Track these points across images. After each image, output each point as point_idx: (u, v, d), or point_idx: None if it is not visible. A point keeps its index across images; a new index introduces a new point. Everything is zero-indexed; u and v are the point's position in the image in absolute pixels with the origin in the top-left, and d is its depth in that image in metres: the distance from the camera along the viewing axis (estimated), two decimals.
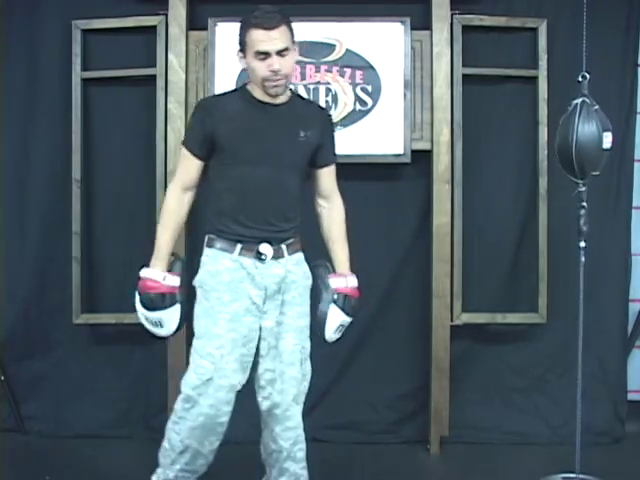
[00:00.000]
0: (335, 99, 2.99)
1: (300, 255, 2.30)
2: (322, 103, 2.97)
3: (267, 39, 2.09)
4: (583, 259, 2.48)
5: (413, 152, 2.99)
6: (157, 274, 2.19)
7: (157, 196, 3.00)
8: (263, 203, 2.19)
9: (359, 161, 3.01)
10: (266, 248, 2.19)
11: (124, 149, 3.12)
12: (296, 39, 2.18)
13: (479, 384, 3.14)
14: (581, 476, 2.50)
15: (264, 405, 2.26)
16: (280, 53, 2.11)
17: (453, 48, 2.98)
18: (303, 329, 2.29)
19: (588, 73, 2.42)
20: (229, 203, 2.20)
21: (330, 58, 2.98)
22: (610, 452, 2.97)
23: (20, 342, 3.16)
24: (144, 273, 2.22)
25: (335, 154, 2.35)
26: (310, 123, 2.25)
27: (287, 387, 2.25)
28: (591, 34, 2.46)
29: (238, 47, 2.17)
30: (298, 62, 2.94)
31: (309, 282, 2.31)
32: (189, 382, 2.18)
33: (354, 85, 2.99)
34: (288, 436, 2.28)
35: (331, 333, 2.32)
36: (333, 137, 2.35)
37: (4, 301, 3.14)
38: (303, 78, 2.98)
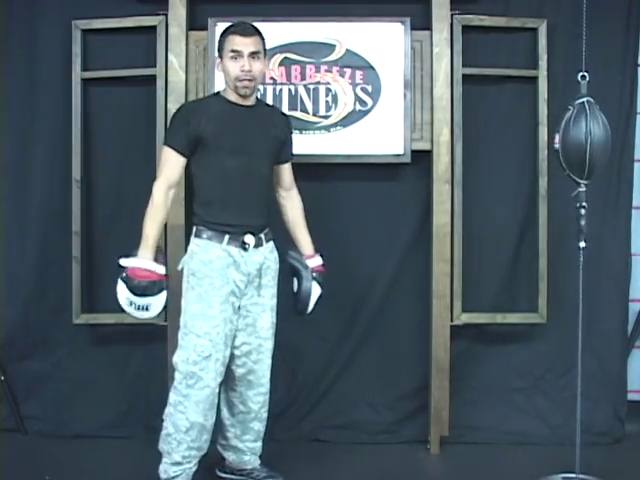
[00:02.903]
0: (335, 99, 2.99)
1: (272, 243, 2.61)
2: (322, 103, 2.98)
3: (242, 42, 2.43)
4: (583, 259, 2.48)
5: (413, 152, 2.99)
6: (148, 263, 2.40)
7: None
8: (246, 190, 2.49)
9: (359, 161, 3.01)
10: (250, 238, 2.48)
11: (124, 149, 3.12)
12: (267, 54, 2.55)
13: (479, 384, 3.14)
14: (581, 476, 2.50)
15: (239, 372, 2.58)
16: (252, 55, 2.44)
17: (453, 48, 2.98)
18: (274, 307, 2.62)
19: (588, 73, 2.42)
20: (217, 192, 2.47)
21: (330, 58, 2.98)
22: (610, 452, 2.97)
23: (20, 342, 3.16)
24: (133, 262, 2.40)
25: (293, 153, 2.70)
26: (276, 123, 2.60)
27: (263, 357, 2.60)
28: (591, 34, 2.46)
29: (217, 54, 2.51)
30: (298, 62, 2.97)
31: (278, 266, 2.62)
32: (189, 360, 2.45)
33: (354, 85, 2.98)
34: (258, 400, 2.62)
35: (312, 306, 2.63)
36: (292, 138, 2.69)
37: (4, 301, 3.14)
38: (303, 78, 2.98)
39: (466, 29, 3.00)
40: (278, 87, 2.98)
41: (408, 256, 3.13)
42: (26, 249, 3.15)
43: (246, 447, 2.67)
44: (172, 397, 2.52)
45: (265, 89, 2.98)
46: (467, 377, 3.11)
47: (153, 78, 3.01)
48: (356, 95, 2.99)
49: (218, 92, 2.57)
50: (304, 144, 2.97)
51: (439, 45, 2.96)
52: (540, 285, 3.03)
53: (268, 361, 2.63)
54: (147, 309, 2.39)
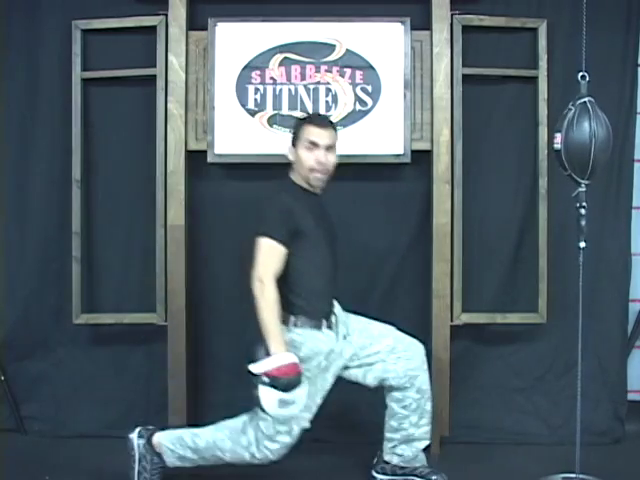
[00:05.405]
0: (335, 99, 2.99)
1: None
2: (322, 103, 2.98)
3: (319, 134, 2.47)
4: (582, 259, 2.48)
5: (413, 152, 2.99)
6: (291, 357, 2.34)
7: (157, 196, 3.01)
8: (334, 276, 2.58)
9: (359, 161, 3.01)
10: (334, 317, 2.58)
11: (124, 149, 3.13)
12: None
13: (479, 384, 3.15)
14: (581, 476, 2.50)
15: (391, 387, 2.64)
16: (327, 148, 2.48)
17: (453, 48, 2.98)
18: (362, 318, 2.71)
19: (588, 73, 2.42)
20: (318, 283, 2.51)
21: (330, 58, 2.98)
22: (610, 452, 2.97)
23: (20, 342, 3.16)
24: (275, 362, 2.31)
25: None
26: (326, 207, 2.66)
27: (394, 358, 2.61)
28: (591, 34, 2.46)
29: (291, 142, 2.54)
30: (298, 62, 2.97)
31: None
32: (292, 432, 2.48)
33: (354, 85, 2.99)
34: (427, 377, 2.67)
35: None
36: None
37: (4, 301, 3.14)
38: (303, 78, 2.98)
39: (466, 29, 3.00)
40: (278, 87, 2.98)
41: (408, 256, 3.13)
42: (26, 249, 3.15)
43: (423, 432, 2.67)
44: (244, 440, 2.51)
45: (265, 89, 2.98)
46: (467, 377, 3.12)
47: (153, 78, 3.01)
48: (356, 95, 2.99)
49: (290, 180, 2.55)
50: None
51: (439, 45, 2.97)
52: (540, 285, 3.03)
53: (403, 354, 2.63)
54: (293, 402, 2.34)
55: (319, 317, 2.50)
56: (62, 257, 3.11)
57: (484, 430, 3.10)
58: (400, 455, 2.67)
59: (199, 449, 2.53)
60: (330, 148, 2.50)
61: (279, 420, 2.44)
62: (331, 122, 2.57)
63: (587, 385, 2.77)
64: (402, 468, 2.69)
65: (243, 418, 2.54)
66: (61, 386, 3.16)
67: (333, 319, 2.57)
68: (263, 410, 2.34)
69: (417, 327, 3.09)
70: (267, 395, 2.31)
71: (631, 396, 3.24)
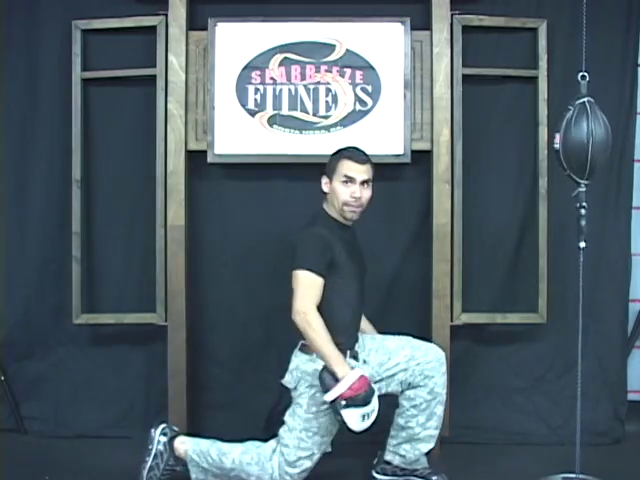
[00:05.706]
0: (335, 99, 2.99)
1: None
2: (322, 103, 2.98)
3: (356, 169, 2.50)
4: (583, 259, 2.48)
5: (413, 152, 2.99)
6: (357, 372, 2.37)
7: (157, 196, 3.00)
8: (361, 311, 2.64)
9: None
10: (357, 345, 2.60)
11: (124, 149, 3.12)
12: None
13: (479, 384, 3.14)
14: (581, 476, 2.50)
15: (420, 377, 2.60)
16: (363, 183, 2.51)
17: (453, 48, 2.98)
18: (375, 335, 2.74)
19: (588, 73, 2.42)
20: (346, 316, 2.55)
21: (330, 58, 2.98)
22: (610, 452, 2.97)
23: (20, 342, 3.16)
24: (346, 384, 2.32)
25: None
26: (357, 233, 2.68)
27: (428, 358, 2.58)
28: (591, 34, 2.46)
29: (326, 174, 2.56)
30: (298, 62, 2.97)
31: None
32: (313, 457, 2.51)
33: (354, 85, 2.99)
34: (443, 382, 2.61)
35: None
36: None
37: (4, 301, 3.14)
38: (303, 78, 2.98)
39: (466, 29, 3.00)
40: (278, 87, 2.98)
41: (408, 256, 3.13)
42: (26, 249, 3.15)
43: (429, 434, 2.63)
44: (269, 467, 2.51)
45: (265, 89, 2.98)
46: (467, 377, 3.11)
47: (153, 78, 3.01)
48: (356, 95, 2.99)
49: (324, 211, 2.58)
50: (304, 144, 2.97)
51: (439, 45, 2.97)
52: (540, 285, 3.03)
53: (422, 359, 2.60)
54: (373, 411, 2.36)
55: (344, 349, 2.49)
56: (62, 257, 3.10)
57: (484, 430, 3.10)
58: (402, 456, 2.66)
59: (224, 468, 2.53)
60: (366, 183, 2.53)
61: (301, 447, 2.48)
62: (368, 157, 2.56)
63: (587, 385, 2.77)
64: (402, 470, 2.69)
65: (272, 445, 2.54)
66: (61, 386, 3.16)
67: (357, 347, 2.58)
68: (351, 431, 2.36)
69: (417, 327, 3.10)
70: (351, 416, 2.33)
71: (631, 396, 3.24)
